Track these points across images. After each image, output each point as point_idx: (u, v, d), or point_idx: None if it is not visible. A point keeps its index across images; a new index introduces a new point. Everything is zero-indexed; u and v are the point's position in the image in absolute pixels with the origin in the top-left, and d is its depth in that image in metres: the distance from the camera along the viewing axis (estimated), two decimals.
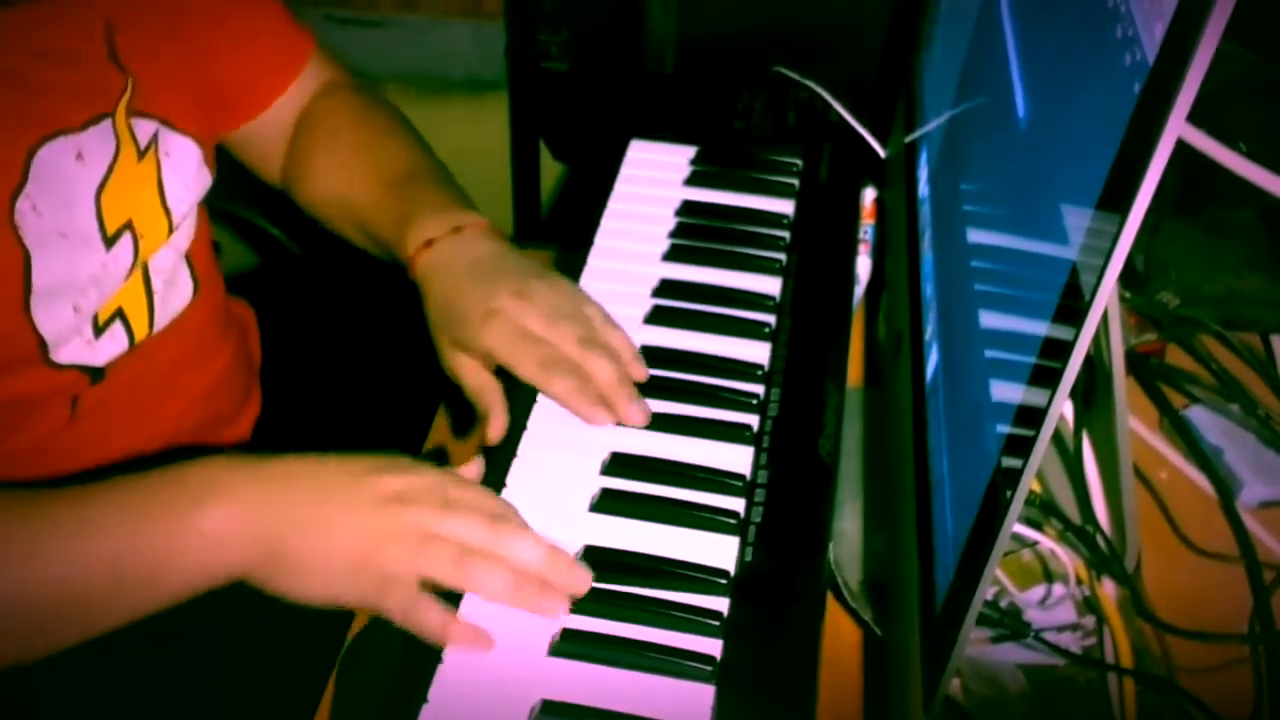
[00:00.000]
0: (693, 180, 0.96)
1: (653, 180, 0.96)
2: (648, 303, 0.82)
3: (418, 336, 0.77)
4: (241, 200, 1.14)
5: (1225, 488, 0.75)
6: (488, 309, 0.72)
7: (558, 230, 1.46)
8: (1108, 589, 0.68)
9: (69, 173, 0.69)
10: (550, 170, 1.41)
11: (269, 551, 0.59)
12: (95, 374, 0.74)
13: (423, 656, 0.59)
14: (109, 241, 0.72)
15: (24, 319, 0.67)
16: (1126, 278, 0.89)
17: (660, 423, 0.72)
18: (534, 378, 0.72)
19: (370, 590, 0.60)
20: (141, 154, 0.74)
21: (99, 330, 0.72)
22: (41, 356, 0.69)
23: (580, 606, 0.61)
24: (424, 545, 0.60)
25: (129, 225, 0.73)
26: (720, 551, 0.65)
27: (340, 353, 1.06)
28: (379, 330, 1.12)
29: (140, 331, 0.76)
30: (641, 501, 0.67)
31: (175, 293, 0.80)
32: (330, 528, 0.60)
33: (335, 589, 0.60)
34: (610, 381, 0.72)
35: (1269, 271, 0.88)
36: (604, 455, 0.70)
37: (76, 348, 0.71)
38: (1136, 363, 0.84)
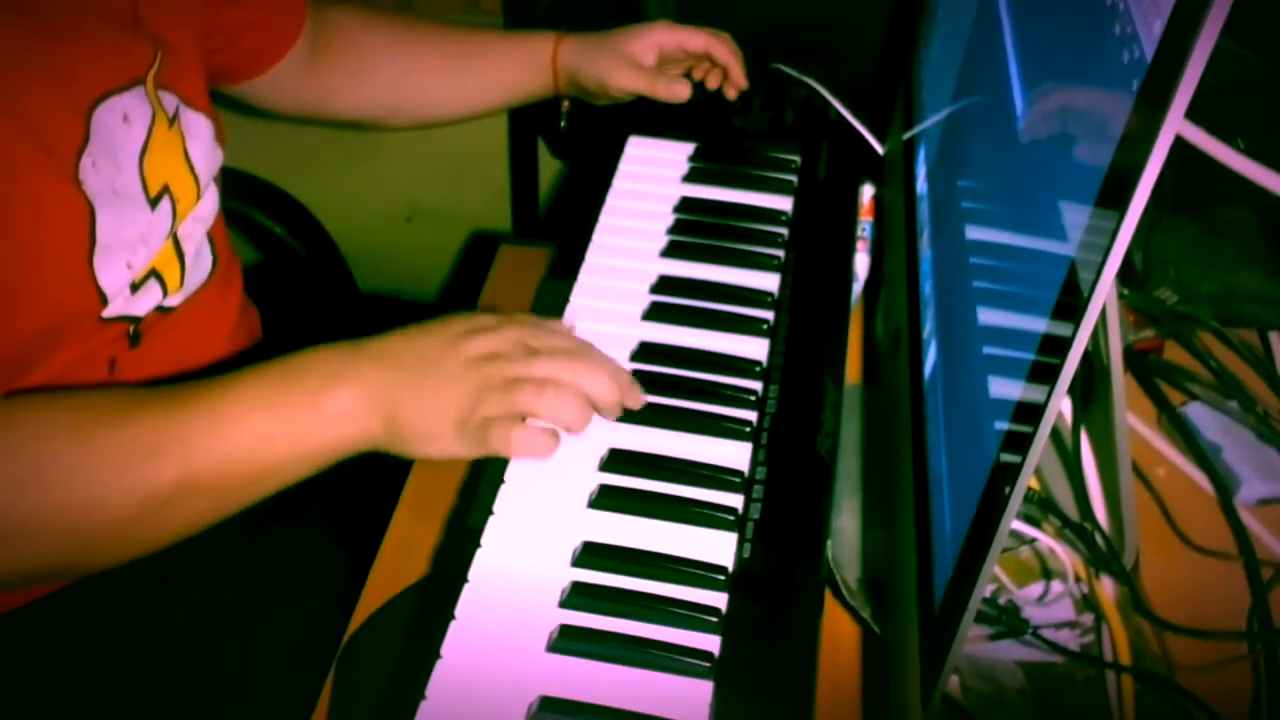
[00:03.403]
0: (691, 177, 0.96)
1: (651, 177, 0.96)
2: (646, 299, 0.82)
3: None
4: (243, 198, 1.14)
5: (1224, 485, 0.75)
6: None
7: (556, 227, 1.46)
8: (1106, 586, 0.68)
9: (118, 133, 0.71)
10: (549, 167, 1.41)
11: (388, 423, 0.66)
12: (134, 338, 0.76)
13: (421, 653, 0.59)
14: (152, 203, 0.74)
15: (88, 273, 0.69)
16: (1125, 275, 0.88)
17: (658, 418, 0.72)
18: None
19: (477, 438, 0.66)
20: (170, 121, 0.76)
21: (135, 288, 0.74)
22: (97, 312, 0.71)
23: (579, 603, 0.61)
24: (511, 387, 0.67)
25: (167, 189, 0.76)
26: (719, 548, 0.65)
27: None
28: (380, 328, 1.12)
29: (173, 286, 0.78)
30: (640, 498, 0.67)
31: (200, 263, 0.83)
32: (434, 395, 0.66)
33: (449, 445, 0.67)
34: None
35: (1267, 268, 0.88)
36: (602, 451, 0.70)
37: (119, 304, 0.73)
38: (1135, 360, 0.84)
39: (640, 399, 0.72)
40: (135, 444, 0.62)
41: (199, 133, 0.79)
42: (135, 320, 0.75)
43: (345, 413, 0.65)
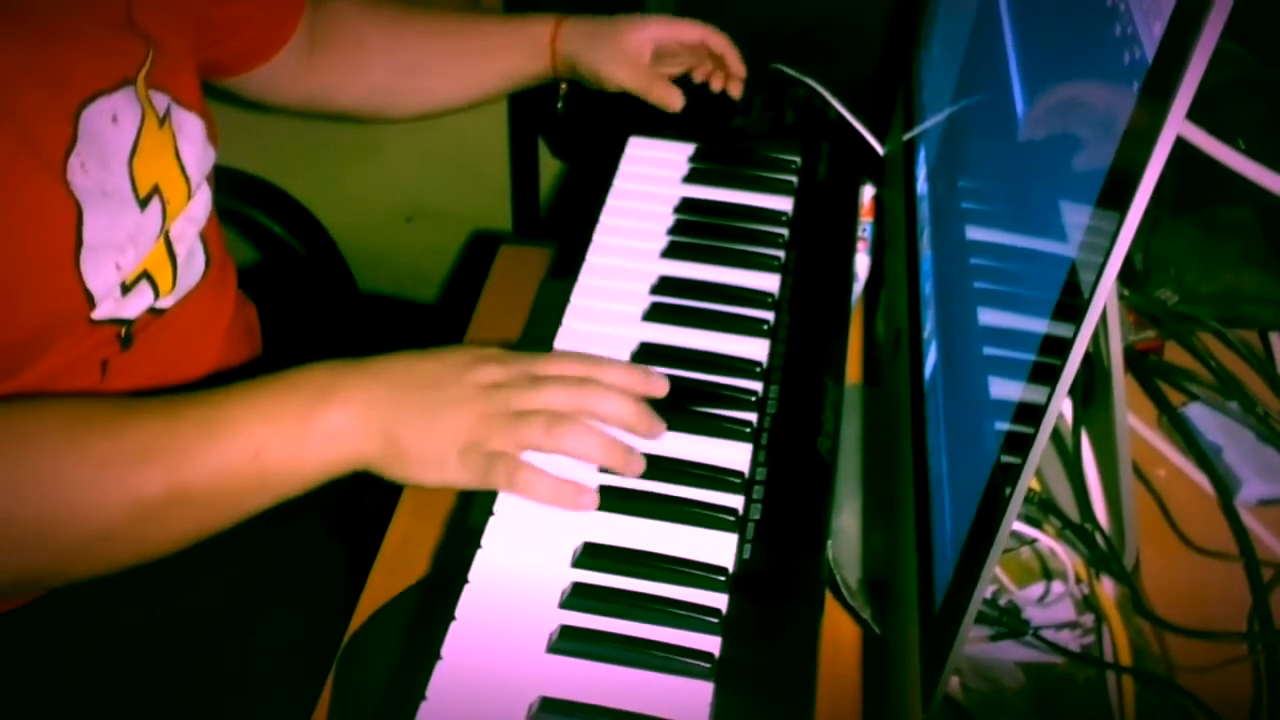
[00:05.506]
0: (691, 177, 0.96)
1: (651, 177, 0.96)
2: (646, 300, 0.82)
3: (416, 334, 0.77)
4: (243, 198, 1.14)
5: (1224, 486, 0.75)
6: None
7: (556, 227, 1.46)
8: (1107, 587, 0.68)
9: (107, 134, 0.71)
10: (549, 167, 1.41)
11: (385, 443, 0.65)
12: (125, 340, 0.75)
13: (421, 653, 0.59)
14: (142, 204, 0.73)
15: (75, 274, 0.68)
16: (1125, 275, 0.88)
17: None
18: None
19: (478, 470, 0.65)
20: (161, 122, 0.76)
21: (126, 290, 0.74)
22: (85, 314, 0.71)
23: (579, 603, 0.61)
24: (519, 420, 0.66)
25: (157, 189, 0.75)
26: (719, 548, 0.65)
27: (340, 350, 1.06)
28: (380, 328, 1.12)
29: (165, 287, 0.78)
30: (640, 498, 0.67)
31: (193, 264, 0.82)
32: (438, 419, 0.65)
33: (449, 473, 0.66)
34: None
35: (1267, 269, 0.88)
36: None
37: (109, 306, 0.72)
38: (1135, 360, 0.84)
39: (662, 386, 0.72)
40: (128, 450, 0.61)
41: (190, 132, 0.79)
42: (126, 323, 0.75)
43: (338, 430, 0.64)
